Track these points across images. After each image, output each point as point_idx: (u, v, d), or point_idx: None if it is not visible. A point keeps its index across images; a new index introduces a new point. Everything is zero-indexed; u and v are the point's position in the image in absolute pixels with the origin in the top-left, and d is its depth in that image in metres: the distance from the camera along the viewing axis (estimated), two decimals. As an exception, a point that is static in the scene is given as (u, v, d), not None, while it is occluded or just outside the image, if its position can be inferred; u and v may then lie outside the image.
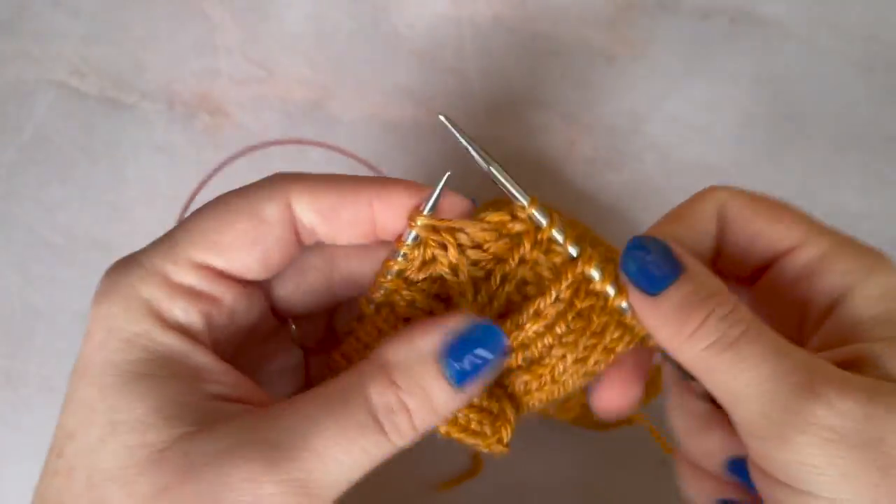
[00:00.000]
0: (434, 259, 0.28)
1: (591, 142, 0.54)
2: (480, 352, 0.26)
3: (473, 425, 0.29)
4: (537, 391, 0.30)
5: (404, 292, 0.28)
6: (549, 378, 0.30)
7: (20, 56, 0.54)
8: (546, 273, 0.29)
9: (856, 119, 0.55)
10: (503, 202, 0.50)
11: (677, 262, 0.26)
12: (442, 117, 0.27)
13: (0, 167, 0.53)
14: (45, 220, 0.52)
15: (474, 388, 0.26)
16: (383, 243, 0.28)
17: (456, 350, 0.26)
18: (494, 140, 0.54)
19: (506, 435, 0.30)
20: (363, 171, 0.53)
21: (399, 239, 0.27)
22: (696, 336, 0.25)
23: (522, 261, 0.29)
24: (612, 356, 0.30)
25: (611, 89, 0.55)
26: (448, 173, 0.27)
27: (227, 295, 0.26)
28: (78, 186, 0.53)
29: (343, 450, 0.24)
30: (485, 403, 0.30)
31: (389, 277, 0.28)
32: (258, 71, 0.54)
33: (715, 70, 0.55)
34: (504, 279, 0.30)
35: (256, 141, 0.54)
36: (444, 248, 0.28)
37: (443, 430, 0.29)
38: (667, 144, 0.54)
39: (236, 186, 0.27)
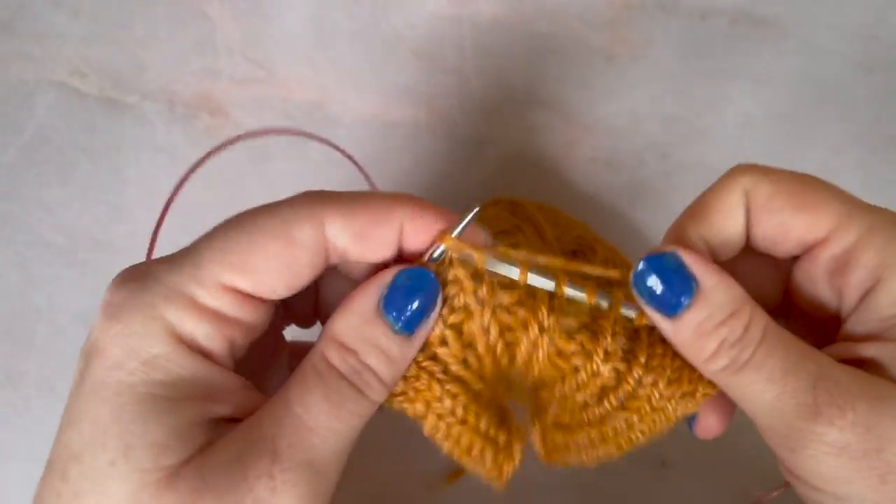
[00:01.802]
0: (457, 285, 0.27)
1: (591, 142, 0.54)
2: (423, 295, 0.26)
3: (475, 451, 0.29)
4: (640, 423, 0.30)
5: None
6: (647, 408, 0.30)
7: (20, 56, 0.54)
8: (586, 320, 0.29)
9: (855, 119, 0.55)
10: (502, 201, 0.50)
11: (691, 279, 0.26)
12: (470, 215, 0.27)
13: (0, 167, 0.53)
14: (46, 220, 0.53)
15: (426, 330, 0.27)
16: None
17: (395, 301, 0.26)
18: (494, 140, 0.54)
19: (507, 470, 0.30)
20: (364, 167, 0.53)
21: (419, 258, 0.27)
22: (710, 361, 0.27)
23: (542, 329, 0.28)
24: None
25: (611, 89, 0.55)
26: (477, 209, 0.27)
27: (249, 316, 0.26)
28: (78, 186, 0.53)
29: (335, 417, 0.25)
30: (491, 431, 0.30)
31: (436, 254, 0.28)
32: (258, 71, 0.54)
33: (715, 70, 0.55)
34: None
35: (257, 142, 0.54)
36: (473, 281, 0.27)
37: (446, 447, 0.29)
38: (667, 144, 0.54)
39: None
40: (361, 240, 0.26)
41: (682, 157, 0.54)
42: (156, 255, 0.53)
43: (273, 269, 0.25)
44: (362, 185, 0.53)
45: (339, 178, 0.54)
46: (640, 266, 0.27)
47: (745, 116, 0.55)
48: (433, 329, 0.28)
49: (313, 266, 0.26)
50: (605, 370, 0.29)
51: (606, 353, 0.29)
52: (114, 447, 0.23)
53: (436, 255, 0.27)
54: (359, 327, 0.26)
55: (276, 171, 0.53)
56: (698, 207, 0.29)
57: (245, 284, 0.25)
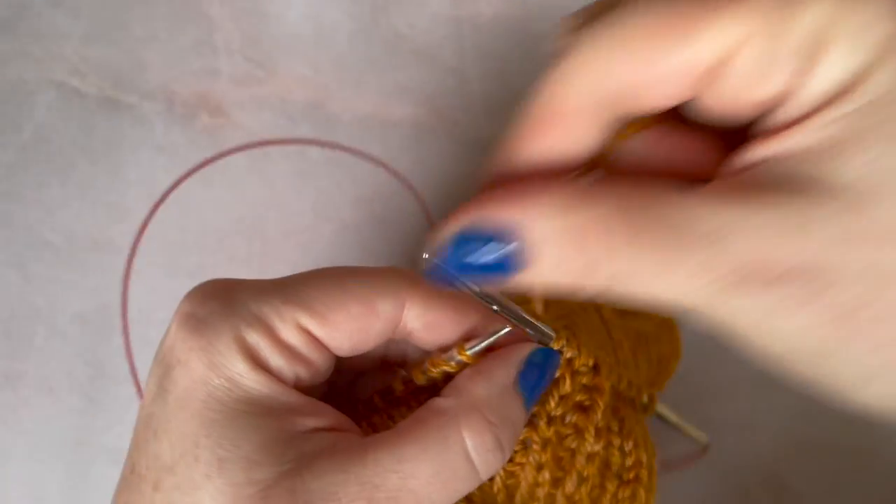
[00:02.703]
0: None
1: (591, 142, 0.54)
2: (546, 374, 0.27)
3: None
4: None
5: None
6: (646, 476, 0.29)
7: (20, 56, 0.54)
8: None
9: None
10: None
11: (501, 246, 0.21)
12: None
13: None
14: (45, 220, 0.52)
15: (534, 405, 0.28)
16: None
17: (529, 377, 0.27)
18: (495, 140, 0.54)
19: None
20: (365, 166, 0.53)
21: (463, 346, 0.28)
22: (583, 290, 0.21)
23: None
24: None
25: (611, 89, 0.55)
26: (507, 329, 0.27)
27: (319, 360, 0.27)
28: (77, 186, 0.53)
29: (437, 491, 0.24)
30: None
31: (435, 370, 0.28)
32: (258, 71, 0.54)
33: (715, 70, 0.55)
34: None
35: (257, 140, 0.54)
36: None
37: None
38: (667, 145, 0.54)
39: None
40: (431, 330, 0.28)
41: (683, 158, 0.54)
42: (148, 254, 0.53)
43: (348, 327, 0.26)
44: (358, 186, 0.53)
45: (338, 177, 0.54)
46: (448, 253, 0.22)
47: (745, 116, 0.55)
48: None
49: (381, 336, 0.27)
50: (599, 447, 0.28)
51: (598, 428, 0.28)
52: (207, 460, 0.23)
53: (453, 362, 0.28)
54: (500, 398, 0.26)
55: (275, 170, 0.53)
56: (532, 122, 0.23)
57: (320, 333, 0.26)
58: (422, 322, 0.27)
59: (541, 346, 0.28)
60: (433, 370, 0.28)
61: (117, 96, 0.54)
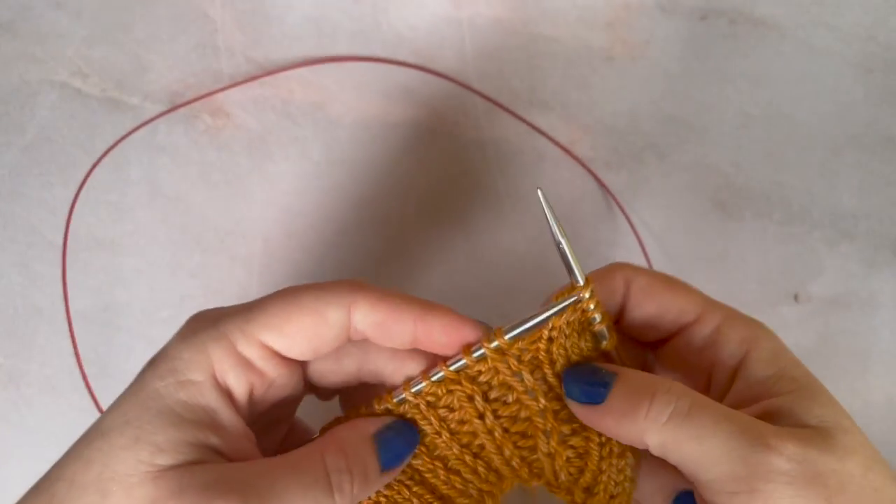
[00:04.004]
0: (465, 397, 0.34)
1: (590, 142, 0.54)
2: (404, 443, 0.34)
3: None
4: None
5: (423, 407, 0.34)
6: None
7: (22, 57, 0.55)
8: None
9: (854, 120, 0.55)
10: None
11: (608, 372, 0.33)
12: (539, 192, 0.32)
13: (3, 167, 0.53)
14: (48, 221, 0.53)
15: (394, 474, 0.34)
16: (416, 351, 0.34)
17: (385, 435, 0.33)
18: (494, 141, 0.54)
19: None
20: (366, 166, 0.53)
21: (445, 360, 0.33)
22: (651, 415, 0.30)
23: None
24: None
25: (610, 90, 0.55)
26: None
27: (273, 371, 0.32)
28: (80, 187, 0.53)
29: (299, 497, 0.30)
30: None
31: (413, 390, 0.34)
32: (259, 72, 0.55)
33: (713, 70, 0.55)
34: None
35: (258, 142, 0.54)
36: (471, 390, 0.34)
37: None
38: (666, 144, 0.54)
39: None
40: (379, 329, 0.33)
41: (681, 158, 0.54)
42: (150, 254, 0.53)
43: (303, 337, 0.32)
44: (359, 186, 0.54)
45: (339, 177, 0.54)
46: (565, 377, 0.33)
47: (744, 116, 0.55)
48: (404, 467, 0.35)
49: (337, 340, 0.33)
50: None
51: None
52: (128, 436, 0.29)
53: (454, 366, 0.33)
54: (357, 440, 0.33)
55: (276, 171, 0.54)
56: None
57: (279, 345, 0.32)
58: (369, 323, 0.32)
59: (403, 421, 0.34)
60: (378, 407, 0.34)
61: (119, 97, 0.54)
